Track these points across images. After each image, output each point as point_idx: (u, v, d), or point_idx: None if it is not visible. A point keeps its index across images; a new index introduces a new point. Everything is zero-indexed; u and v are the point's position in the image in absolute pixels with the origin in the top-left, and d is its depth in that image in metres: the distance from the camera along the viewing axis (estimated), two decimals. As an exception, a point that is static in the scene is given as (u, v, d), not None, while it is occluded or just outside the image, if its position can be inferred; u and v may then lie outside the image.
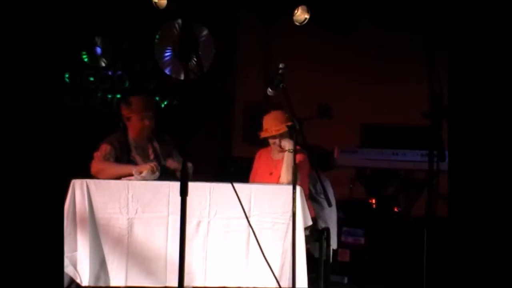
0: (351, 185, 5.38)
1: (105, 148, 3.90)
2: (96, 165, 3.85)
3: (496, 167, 2.24)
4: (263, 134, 4.03)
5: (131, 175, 3.70)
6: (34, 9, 2.22)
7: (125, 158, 3.92)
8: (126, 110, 3.97)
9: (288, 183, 3.72)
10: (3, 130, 2.18)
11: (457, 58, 2.36)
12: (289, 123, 3.71)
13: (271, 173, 4.07)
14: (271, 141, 4.05)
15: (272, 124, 4.00)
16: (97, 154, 3.89)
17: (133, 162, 3.91)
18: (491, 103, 2.27)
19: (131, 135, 3.99)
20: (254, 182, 4.11)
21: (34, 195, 2.18)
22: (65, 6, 2.29)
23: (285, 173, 3.89)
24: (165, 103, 5.68)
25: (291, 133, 3.88)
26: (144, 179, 3.67)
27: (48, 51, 2.24)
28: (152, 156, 3.98)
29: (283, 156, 3.96)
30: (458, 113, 2.33)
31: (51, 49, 2.25)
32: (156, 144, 4.03)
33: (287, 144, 3.90)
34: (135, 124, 3.95)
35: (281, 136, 3.97)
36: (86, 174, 3.77)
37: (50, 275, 2.20)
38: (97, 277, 3.45)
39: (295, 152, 3.48)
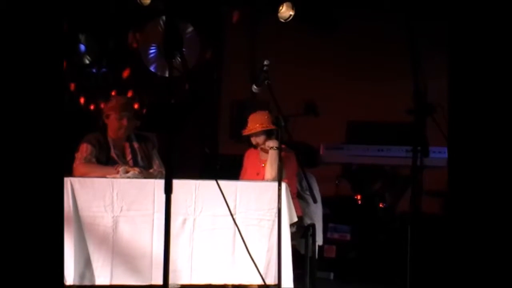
0: (336, 182, 5.40)
1: (85, 148, 3.87)
2: (79, 169, 3.82)
3: (496, 164, 2.25)
4: (245, 132, 4.07)
5: (116, 175, 3.69)
6: (31, 8, 2.21)
7: (104, 156, 3.91)
8: (106, 107, 4.02)
9: (273, 180, 3.75)
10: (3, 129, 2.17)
11: (457, 54, 2.37)
12: (272, 127, 3.90)
13: (258, 173, 4.08)
14: (253, 141, 4.07)
15: (255, 123, 4.03)
16: (78, 156, 3.86)
17: (112, 160, 3.90)
18: (490, 99, 2.28)
19: (110, 133, 3.99)
20: (242, 181, 4.12)
21: (34, 194, 2.17)
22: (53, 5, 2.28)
23: (269, 169, 3.91)
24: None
25: (274, 132, 3.91)
26: (129, 177, 3.67)
27: (47, 50, 2.23)
28: (129, 157, 3.98)
29: (269, 155, 3.98)
30: (458, 109, 2.34)
31: (51, 47, 2.23)
32: (135, 144, 4.03)
33: (271, 143, 3.94)
34: (113, 122, 3.95)
35: (262, 135, 4.00)
36: (69, 172, 3.75)
37: (50, 273, 2.19)
38: (82, 276, 3.43)
39: (280, 149, 3.49)
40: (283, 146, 3.58)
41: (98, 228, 3.47)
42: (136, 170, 3.76)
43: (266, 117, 4.02)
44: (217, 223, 3.51)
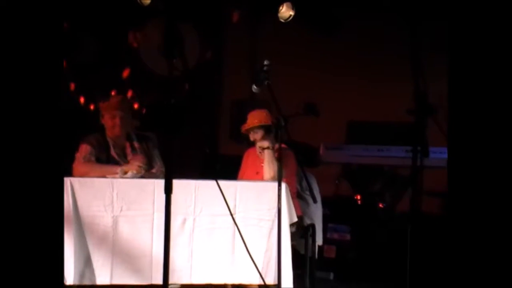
0: (336, 182, 5.40)
1: (85, 148, 3.90)
2: (79, 169, 3.83)
3: (496, 165, 2.25)
4: (243, 127, 4.09)
5: (115, 175, 3.70)
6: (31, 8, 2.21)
7: (104, 156, 3.93)
8: (101, 106, 4.06)
9: (271, 179, 3.75)
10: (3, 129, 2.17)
11: (457, 55, 2.37)
12: (269, 122, 3.92)
13: (257, 173, 4.08)
14: (251, 137, 4.09)
15: (254, 119, 4.05)
16: (78, 156, 3.88)
17: (113, 160, 3.92)
18: (491, 100, 2.28)
19: (107, 132, 4.02)
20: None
21: (33, 194, 2.17)
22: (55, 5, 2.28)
23: (267, 169, 3.92)
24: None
25: (273, 131, 3.92)
26: (127, 178, 3.67)
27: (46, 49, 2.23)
28: (130, 156, 3.99)
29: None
30: (458, 109, 2.34)
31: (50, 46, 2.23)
32: (136, 144, 4.04)
33: (265, 142, 3.95)
34: (107, 121, 3.98)
35: (260, 130, 4.01)
36: (69, 172, 3.75)
37: (50, 273, 2.20)
38: (82, 276, 3.44)
39: (280, 149, 3.49)
40: (282, 145, 3.58)
41: (98, 228, 3.47)
42: (135, 167, 3.75)
43: (264, 114, 4.05)
44: (216, 223, 3.51)
